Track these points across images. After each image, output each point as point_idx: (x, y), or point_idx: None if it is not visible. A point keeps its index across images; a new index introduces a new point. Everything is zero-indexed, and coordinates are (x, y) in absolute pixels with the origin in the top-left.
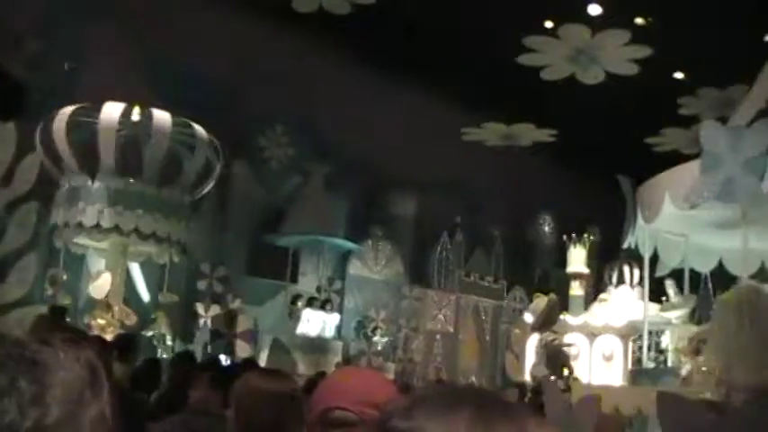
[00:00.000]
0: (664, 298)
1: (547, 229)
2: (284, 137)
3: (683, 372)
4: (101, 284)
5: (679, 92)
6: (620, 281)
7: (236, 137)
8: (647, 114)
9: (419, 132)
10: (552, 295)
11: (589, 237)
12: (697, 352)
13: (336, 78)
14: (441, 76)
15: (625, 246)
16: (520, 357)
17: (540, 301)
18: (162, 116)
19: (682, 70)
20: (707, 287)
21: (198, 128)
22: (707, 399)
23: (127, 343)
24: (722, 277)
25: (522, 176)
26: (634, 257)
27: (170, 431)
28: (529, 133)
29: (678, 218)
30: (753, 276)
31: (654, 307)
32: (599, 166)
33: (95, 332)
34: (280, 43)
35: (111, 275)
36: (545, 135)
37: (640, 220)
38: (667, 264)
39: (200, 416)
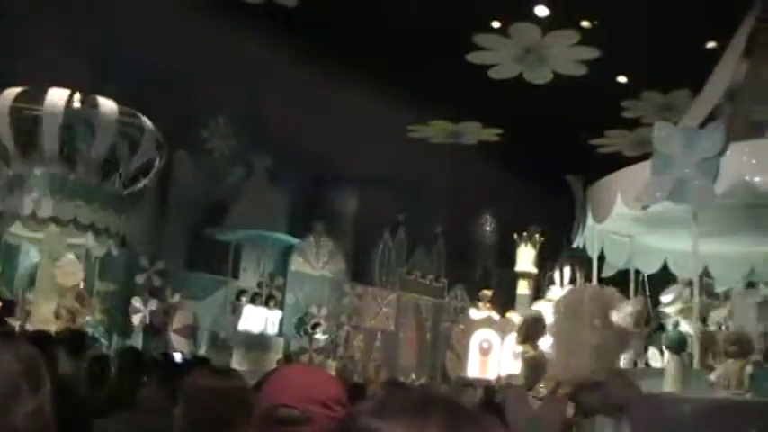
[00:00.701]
0: None
1: (489, 228)
2: (227, 128)
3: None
4: (71, 272)
5: (623, 95)
6: (553, 282)
7: (178, 127)
8: (592, 116)
9: (365, 128)
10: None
11: (540, 237)
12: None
13: (282, 71)
14: (389, 72)
15: (574, 245)
16: (462, 356)
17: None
18: (108, 105)
19: (626, 73)
20: (644, 289)
21: (145, 119)
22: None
23: (76, 339)
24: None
25: (465, 175)
26: (576, 258)
27: (118, 429)
28: (475, 132)
29: (629, 218)
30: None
31: None
32: (543, 167)
33: (64, 320)
34: (225, 33)
35: (48, 265)
36: (491, 134)
37: (590, 220)
38: (613, 264)
39: (148, 413)
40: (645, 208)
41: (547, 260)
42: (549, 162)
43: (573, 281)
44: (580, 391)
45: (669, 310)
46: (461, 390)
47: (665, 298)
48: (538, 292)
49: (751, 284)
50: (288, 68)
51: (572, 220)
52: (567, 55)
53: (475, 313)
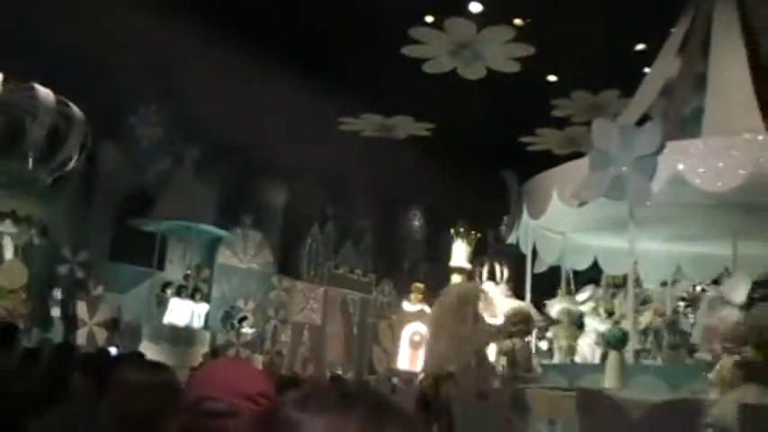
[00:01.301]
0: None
1: (417, 223)
2: (155, 116)
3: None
4: (17, 274)
5: (554, 93)
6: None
7: (104, 114)
8: (523, 113)
9: (295, 120)
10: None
11: (476, 233)
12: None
13: (212, 61)
14: (321, 64)
15: (508, 242)
16: (388, 350)
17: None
18: None
19: (558, 72)
20: (569, 286)
21: (42, 90)
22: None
23: (5, 331)
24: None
25: (394, 169)
26: (501, 254)
27: (47, 424)
28: (406, 126)
29: (564, 215)
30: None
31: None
32: (473, 162)
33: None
34: (154, 21)
35: None
36: (422, 129)
37: (525, 216)
38: (545, 261)
39: (79, 408)
40: (581, 205)
41: (476, 256)
42: (480, 158)
43: (492, 277)
44: (437, 381)
45: (583, 308)
46: (407, 383)
47: (580, 297)
48: None
49: (674, 282)
50: (218, 59)
51: (501, 217)
52: (501, 51)
53: (408, 306)
